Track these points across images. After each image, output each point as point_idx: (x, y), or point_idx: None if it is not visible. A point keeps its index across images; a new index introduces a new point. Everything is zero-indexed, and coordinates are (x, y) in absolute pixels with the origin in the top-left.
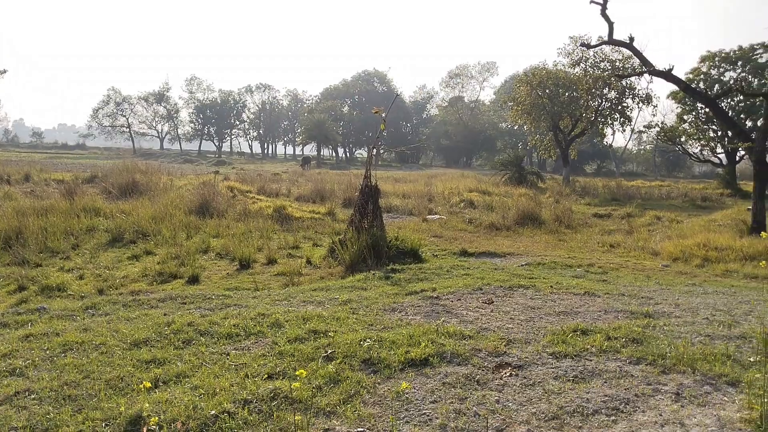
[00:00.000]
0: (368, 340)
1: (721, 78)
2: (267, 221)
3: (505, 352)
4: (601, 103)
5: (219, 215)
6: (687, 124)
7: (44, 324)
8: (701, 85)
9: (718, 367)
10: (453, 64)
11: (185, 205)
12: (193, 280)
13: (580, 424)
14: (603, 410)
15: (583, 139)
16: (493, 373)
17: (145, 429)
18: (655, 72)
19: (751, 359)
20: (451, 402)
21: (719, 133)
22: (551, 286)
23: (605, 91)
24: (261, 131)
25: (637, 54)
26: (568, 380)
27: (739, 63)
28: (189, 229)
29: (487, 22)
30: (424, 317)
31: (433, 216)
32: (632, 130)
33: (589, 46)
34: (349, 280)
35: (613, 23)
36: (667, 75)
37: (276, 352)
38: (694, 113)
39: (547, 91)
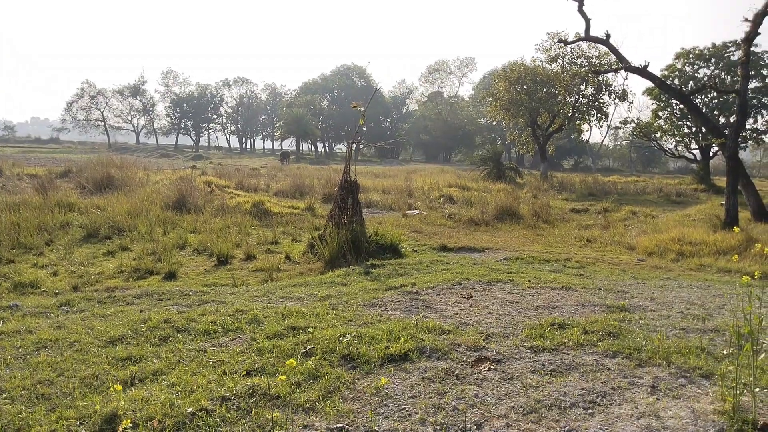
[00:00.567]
0: (347, 335)
1: (696, 75)
2: (245, 216)
3: (484, 346)
4: (579, 99)
5: (196, 210)
6: (662, 120)
7: (17, 321)
8: (676, 81)
9: (693, 360)
10: (432, 61)
11: (162, 201)
12: (170, 276)
13: (557, 418)
14: (580, 403)
15: (560, 135)
16: (472, 367)
17: (120, 428)
18: (631, 68)
19: (725, 352)
20: (431, 397)
21: (693, 130)
22: (529, 281)
23: (582, 87)
24: (239, 125)
25: (614, 50)
26: (546, 374)
27: (713, 60)
28: (166, 224)
29: (465, 22)
30: (403, 312)
31: (412, 211)
32: (608, 126)
33: (566, 43)
34: (328, 276)
35: (590, 20)
36: (643, 71)
37: (254, 349)
38: (669, 110)
39: (525, 86)
